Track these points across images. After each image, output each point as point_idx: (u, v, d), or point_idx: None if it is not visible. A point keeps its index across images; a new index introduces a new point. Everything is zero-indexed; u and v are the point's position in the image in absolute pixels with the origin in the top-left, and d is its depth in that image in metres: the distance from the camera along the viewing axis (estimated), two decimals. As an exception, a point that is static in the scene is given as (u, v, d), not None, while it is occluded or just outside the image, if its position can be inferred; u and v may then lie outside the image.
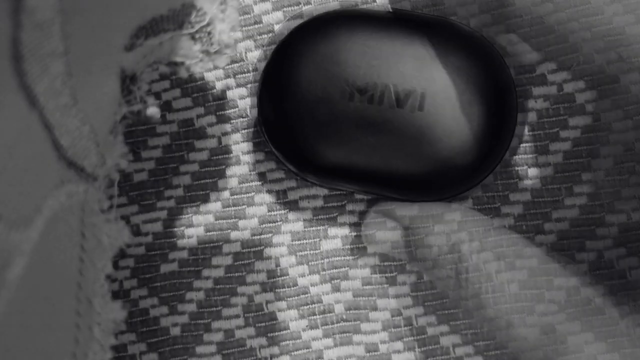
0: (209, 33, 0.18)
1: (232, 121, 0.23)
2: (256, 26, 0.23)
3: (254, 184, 0.23)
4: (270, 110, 0.21)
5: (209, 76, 0.23)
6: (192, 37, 0.18)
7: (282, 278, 0.23)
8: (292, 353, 0.23)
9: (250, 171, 0.23)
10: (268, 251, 0.23)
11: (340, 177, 0.21)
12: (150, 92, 0.20)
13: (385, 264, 0.23)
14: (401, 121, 0.20)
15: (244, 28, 0.23)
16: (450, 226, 0.22)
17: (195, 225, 0.23)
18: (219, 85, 0.23)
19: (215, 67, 0.23)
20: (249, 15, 0.23)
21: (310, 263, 0.23)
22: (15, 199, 0.15)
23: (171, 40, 0.18)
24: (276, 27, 0.23)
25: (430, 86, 0.20)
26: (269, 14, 0.23)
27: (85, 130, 0.16)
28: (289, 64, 0.20)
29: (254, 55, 0.23)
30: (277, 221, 0.23)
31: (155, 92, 0.23)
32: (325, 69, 0.20)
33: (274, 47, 0.21)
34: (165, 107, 0.23)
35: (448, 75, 0.20)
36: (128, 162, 0.19)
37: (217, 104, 0.23)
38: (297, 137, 0.21)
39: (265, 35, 0.23)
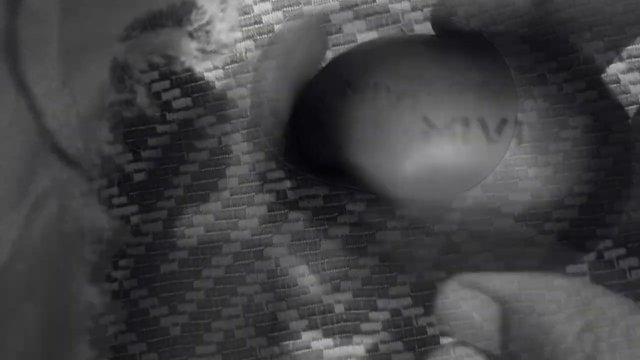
0: (208, 32, 0.18)
1: (232, 121, 0.23)
2: (256, 26, 0.23)
3: (254, 184, 0.23)
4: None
5: (209, 76, 0.23)
6: (190, 34, 0.18)
7: (282, 278, 0.23)
8: (292, 353, 0.23)
9: (250, 171, 0.23)
10: (268, 251, 0.23)
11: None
12: (140, 82, 0.20)
13: (386, 264, 0.23)
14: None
15: (243, 28, 0.23)
16: (451, 227, 0.22)
17: (195, 225, 0.23)
18: (219, 85, 0.23)
19: (215, 67, 0.23)
20: (249, 15, 0.23)
21: (310, 263, 0.23)
22: (2, 184, 0.15)
23: (168, 36, 0.18)
24: (276, 27, 0.23)
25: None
26: (268, 14, 0.23)
27: (72, 115, 0.16)
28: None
29: (255, 55, 0.23)
30: (277, 221, 0.23)
31: (155, 92, 0.23)
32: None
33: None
34: (165, 107, 0.23)
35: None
36: (110, 146, 0.19)
37: (217, 104, 0.23)
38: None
39: (265, 35, 0.23)
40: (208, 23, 0.18)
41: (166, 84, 0.23)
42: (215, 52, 0.18)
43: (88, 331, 0.20)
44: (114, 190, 0.22)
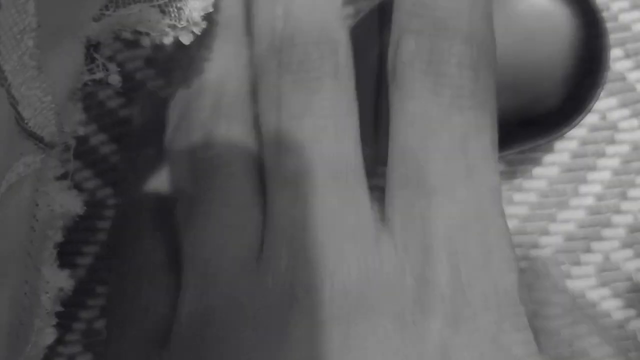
0: (180, 9, 0.18)
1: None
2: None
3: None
4: None
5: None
6: (162, 10, 0.18)
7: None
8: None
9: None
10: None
11: None
12: (112, 60, 0.20)
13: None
14: None
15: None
16: None
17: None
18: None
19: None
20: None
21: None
22: None
23: (140, 12, 0.17)
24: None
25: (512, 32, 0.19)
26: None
27: (47, 100, 0.16)
28: None
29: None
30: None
31: (152, 90, 0.23)
32: None
33: None
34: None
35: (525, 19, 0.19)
36: (85, 129, 0.19)
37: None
38: None
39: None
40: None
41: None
42: (185, 29, 0.18)
43: (56, 315, 0.19)
44: (70, 157, 0.21)
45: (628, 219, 0.21)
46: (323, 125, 0.17)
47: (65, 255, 0.22)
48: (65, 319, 0.22)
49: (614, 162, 0.21)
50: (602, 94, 0.21)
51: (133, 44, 0.21)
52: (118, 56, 0.22)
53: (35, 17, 0.14)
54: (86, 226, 0.23)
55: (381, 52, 0.20)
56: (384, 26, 0.20)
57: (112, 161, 0.23)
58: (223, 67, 0.19)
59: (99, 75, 0.18)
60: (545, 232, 0.21)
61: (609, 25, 0.21)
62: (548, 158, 0.21)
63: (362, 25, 0.20)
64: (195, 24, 0.18)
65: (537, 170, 0.21)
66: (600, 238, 0.21)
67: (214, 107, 0.18)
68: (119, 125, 0.23)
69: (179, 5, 0.17)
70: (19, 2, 0.14)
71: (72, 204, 0.19)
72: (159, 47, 0.19)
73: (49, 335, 0.19)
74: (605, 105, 0.21)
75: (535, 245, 0.21)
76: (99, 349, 0.23)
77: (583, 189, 0.21)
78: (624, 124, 0.21)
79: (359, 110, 0.20)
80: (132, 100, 0.23)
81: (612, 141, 0.21)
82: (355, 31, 0.20)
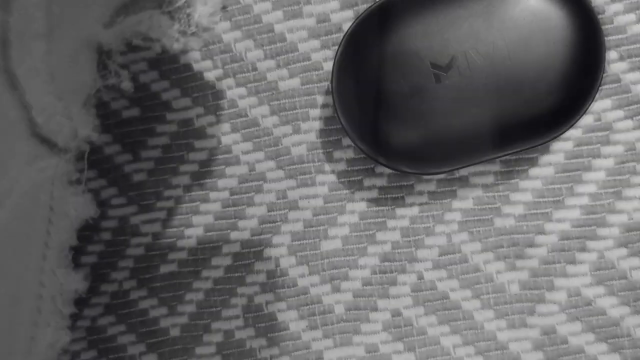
0: (189, 15, 0.18)
1: (231, 121, 0.23)
2: (256, 26, 0.23)
3: (253, 184, 0.23)
4: (349, 105, 0.21)
5: (209, 76, 0.23)
6: (171, 16, 0.18)
7: (282, 278, 0.23)
8: (292, 354, 0.23)
9: (250, 171, 0.23)
10: (268, 251, 0.23)
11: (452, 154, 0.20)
12: (124, 67, 0.20)
13: (385, 264, 0.22)
14: (495, 76, 0.19)
15: (243, 28, 0.23)
16: (451, 227, 0.22)
17: (195, 226, 0.23)
18: (219, 85, 0.23)
19: (191, 49, 0.22)
20: (249, 15, 0.23)
21: (310, 263, 0.23)
22: None
23: (150, 19, 0.18)
24: (276, 27, 0.23)
25: (509, 35, 0.19)
26: (268, 13, 0.23)
27: (59, 106, 0.16)
28: (362, 56, 0.20)
29: (254, 54, 0.23)
30: (276, 221, 0.23)
31: (154, 92, 0.23)
32: (402, 55, 0.20)
33: (344, 39, 0.21)
34: (165, 107, 0.23)
35: (522, 21, 0.19)
36: (98, 135, 0.19)
37: (217, 103, 0.23)
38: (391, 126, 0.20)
39: (265, 35, 0.23)
40: (188, 6, 0.18)
41: (166, 84, 0.23)
42: (195, 34, 0.18)
43: (69, 317, 0.19)
44: (84, 162, 0.22)
45: (623, 218, 0.21)
46: None
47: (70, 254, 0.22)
48: (69, 317, 0.22)
49: (609, 163, 0.21)
50: (597, 95, 0.21)
51: (137, 47, 0.22)
52: (120, 59, 0.23)
53: (44, 22, 0.15)
54: (90, 225, 0.23)
55: (381, 52, 0.20)
56: (384, 26, 0.20)
57: (117, 162, 0.23)
58: None
59: (111, 81, 0.18)
60: (542, 231, 0.22)
61: (605, 27, 0.21)
62: (544, 158, 0.22)
63: (362, 25, 0.20)
64: (205, 29, 0.18)
65: (533, 170, 0.22)
66: (595, 237, 0.21)
67: None
68: (122, 126, 0.23)
69: (188, 11, 0.17)
70: (28, 8, 0.14)
71: (87, 207, 0.19)
72: (163, 50, 0.19)
73: (65, 337, 0.19)
74: (600, 106, 0.21)
75: (531, 244, 0.22)
76: (103, 346, 0.23)
77: (578, 188, 0.22)
78: (619, 125, 0.21)
79: (359, 110, 0.20)
80: (135, 102, 0.23)
81: (607, 142, 0.21)
82: (355, 31, 0.20)
